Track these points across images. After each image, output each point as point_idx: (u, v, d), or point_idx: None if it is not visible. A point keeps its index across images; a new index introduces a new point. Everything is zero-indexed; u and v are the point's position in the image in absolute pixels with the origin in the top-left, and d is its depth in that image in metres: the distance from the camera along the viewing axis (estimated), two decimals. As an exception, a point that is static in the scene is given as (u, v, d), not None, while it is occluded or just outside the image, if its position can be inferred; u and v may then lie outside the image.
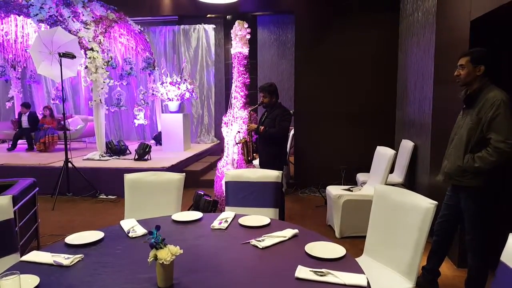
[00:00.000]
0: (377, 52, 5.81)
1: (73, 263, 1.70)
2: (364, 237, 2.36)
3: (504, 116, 2.32)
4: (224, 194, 3.55)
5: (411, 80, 4.98)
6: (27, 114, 8.17)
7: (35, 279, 1.53)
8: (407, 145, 4.77)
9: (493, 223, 2.58)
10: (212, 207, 4.43)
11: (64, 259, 1.72)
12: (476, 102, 2.46)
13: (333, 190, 4.22)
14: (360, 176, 5.00)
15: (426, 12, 4.42)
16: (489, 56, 2.47)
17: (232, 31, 4.73)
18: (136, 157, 6.54)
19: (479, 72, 2.45)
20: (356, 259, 1.88)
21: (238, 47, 4.68)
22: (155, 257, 1.45)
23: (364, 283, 1.49)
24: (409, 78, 5.11)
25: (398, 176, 4.81)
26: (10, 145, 8.02)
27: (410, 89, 5.04)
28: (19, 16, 6.67)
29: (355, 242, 3.76)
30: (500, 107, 2.33)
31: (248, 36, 4.70)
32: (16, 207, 2.96)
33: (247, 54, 4.72)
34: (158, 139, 8.38)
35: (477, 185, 2.48)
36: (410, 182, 4.78)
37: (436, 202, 1.96)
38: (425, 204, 1.98)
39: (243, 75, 4.69)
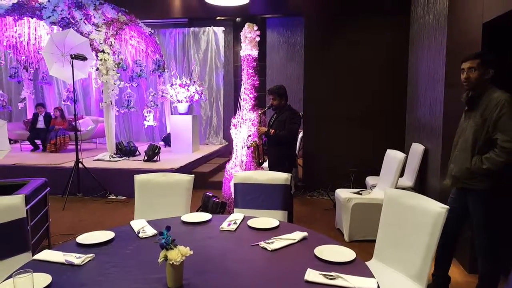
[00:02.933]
0: (388, 55, 5.78)
1: (84, 262, 1.72)
2: (374, 241, 2.34)
3: (509, 116, 2.31)
4: (233, 196, 3.56)
5: (422, 83, 4.94)
6: (43, 114, 8.29)
7: (47, 278, 1.55)
8: (417, 148, 4.73)
9: (502, 227, 2.54)
10: (221, 208, 4.44)
11: (76, 258, 1.74)
12: (479, 104, 2.46)
13: (342, 193, 4.20)
14: (370, 180, 4.97)
15: (438, 15, 4.39)
16: (496, 60, 2.46)
17: (241, 33, 4.75)
18: (146, 158, 6.59)
19: (489, 75, 2.44)
20: (366, 263, 1.87)
21: (248, 49, 4.70)
22: (165, 258, 1.46)
23: (374, 287, 1.47)
24: (419, 81, 5.07)
25: (408, 179, 4.77)
26: (22, 147, 8.13)
27: (420, 92, 5.00)
28: (32, 18, 6.77)
29: (364, 246, 3.73)
30: (504, 107, 2.33)
31: (258, 39, 4.72)
32: (28, 206, 3.00)
33: (256, 56, 4.74)
34: (167, 140, 8.43)
35: (485, 187, 2.45)
36: (421, 186, 4.74)
37: (447, 207, 1.94)
38: (436, 209, 1.96)
39: (252, 77, 4.71)
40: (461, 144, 2.57)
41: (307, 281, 1.52)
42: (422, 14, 5.01)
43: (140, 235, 2.05)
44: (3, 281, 1.54)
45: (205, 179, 6.48)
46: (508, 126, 2.31)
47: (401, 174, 4.58)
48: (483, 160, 2.40)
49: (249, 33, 4.67)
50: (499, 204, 2.48)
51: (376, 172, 4.65)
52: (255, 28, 4.70)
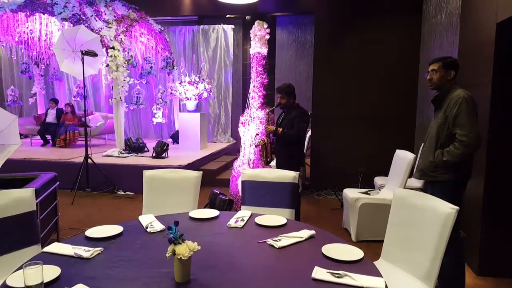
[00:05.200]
0: (398, 54, 5.72)
1: (93, 255, 1.73)
2: (381, 241, 2.32)
3: (465, 112, 2.51)
4: (240, 194, 3.56)
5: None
6: (55, 108, 8.38)
7: (56, 270, 1.56)
8: (426, 149, 4.67)
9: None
10: (228, 206, 4.45)
11: (84, 251, 1.75)
12: (443, 103, 2.67)
13: (350, 193, 4.18)
14: (378, 180, 4.93)
15: (450, 14, 4.34)
16: (457, 63, 2.70)
17: (251, 31, 4.75)
18: (154, 154, 6.63)
19: (450, 76, 2.67)
20: (373, 262, 1.86)
21: (257, 47, 4.69)
22: (173, 252, 1.47)
23: (382, 287, 1.46)
24: (430, 81, 5.01)
25: (417, 180, 4.72)
26: (33, 142, 8.23)
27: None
28: (43, 14, 6.84)
29: (371, 246, 3.71)
30: (462, 104, 2.52)
31: (267, 37, 4.71)
32: (38, 200, 3.03)
33: (266, 54, 4.73)
34: (175, 137, 8.47)
35: (448, 179, 2.62)
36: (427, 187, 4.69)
37: (457, 207, 1.92)
38: (446, 209, 1.94)
39: (261, 75, 4.70)
40: (428, 141, 2.78)
41: (314, 279, 1.52)
42: (434, 13, 4.96)
43: (148, 230, 2.06)
44: (13, 272, 1.56)
45: (212, 176, 6.50)
46: (465, 121, 2.51)
47: (410, 175, 4.55)
48: (444, 152, 2.60)
49: (258, 31, 4.66)
50: (460, 195, 2.64)
51: (385, 173, 4.61)
52: (265, 26, 4.69)
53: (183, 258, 1.45)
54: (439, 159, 2.62)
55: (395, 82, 5.77)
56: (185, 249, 1.46)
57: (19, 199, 2.16)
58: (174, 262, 1.49)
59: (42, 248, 1.95)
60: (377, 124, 5.86)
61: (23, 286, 1.38)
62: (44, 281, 1.42)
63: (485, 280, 3.14)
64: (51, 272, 1.54)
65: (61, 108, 8.59)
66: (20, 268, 1.47)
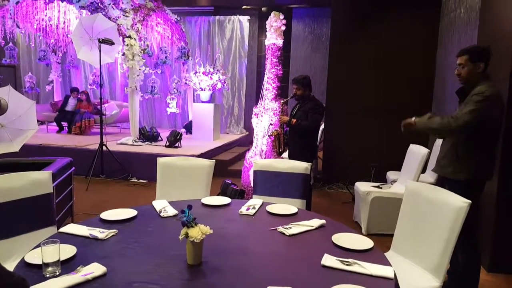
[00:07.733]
0: (415, 48, 5.63)
1: (107, 237, 1.78)
2: (391, 235, 2.32)
3: (474, 101, 2.34)
4: (251, 184, 3.59)
5: (450, 78, 4.80)
6: (76, 98, 8.51)
7: (72, 249, 1.61)
8: (441, 145, 4.62)
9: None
10: (239, 196, 4.49)
11: (99, 232, 1.80)
12: (467, 95, 2.48)
13: (362, 187, 4.17)
14: (391, 174, 4.90)
15: (469, 9, 4.25)
16: (487, 52, 2.46)
17: (267, 22, 4.73)
18: (168, 144, 6.70)
19: (479, 69, 2.44)
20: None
21: (273, 38, 4.67)
22: (186, 235, 1.50)
23: (391, 275, 1.47)
24: (447, 76, 4.93)
25: (430, 176, 4.67)
26: (49, 129, 8.36)
27: (448, 87, 4.87)
28: (62, 2, 6.91)
29: (381, 239, 3.70)
30: (478, 96, 2.34)
31: (283, 28, 4.69)
32: (54, 184, 3.10)
33: (281, 45, 4.71)
34: (188, 128, 8.53)
35: (460, 178, 2.48)
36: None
37: (469, 201, 1.91)
38: (458, 203, 1.93)
39: (276, 67, 4.69)
40: None
41: (323, 266, 1.54)
42: (454, 7, 4.86)
43: (161, 214, 2.10)
44: (32, 249, 1.62)
45: (224, 167, 6.54)
46: (468, 105, 2.35)
47: (423, 170, 4.50)
48: (448, 116, 2.43)
49: (274, 22, 4.64)
50: (472, 195, 2.29)
51: (398, 167, 4.58)
52: (281, 17, 4.66)
53: (195, 240, 1.48)
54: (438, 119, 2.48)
55: (411, 76, 5.69)
56: (197, 232, 1.49)
57: (37, 181, 2.22)
58: (186, 245, 1.53)
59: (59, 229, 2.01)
60: (391, 118, 5.74)
61: (41, 262, 1.43)
62: (61, 259, 1.47)
63: (496, 277, 3.12)
64: (67, 250, 1.59)
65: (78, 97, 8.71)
66: (38, 246, 1.52)
